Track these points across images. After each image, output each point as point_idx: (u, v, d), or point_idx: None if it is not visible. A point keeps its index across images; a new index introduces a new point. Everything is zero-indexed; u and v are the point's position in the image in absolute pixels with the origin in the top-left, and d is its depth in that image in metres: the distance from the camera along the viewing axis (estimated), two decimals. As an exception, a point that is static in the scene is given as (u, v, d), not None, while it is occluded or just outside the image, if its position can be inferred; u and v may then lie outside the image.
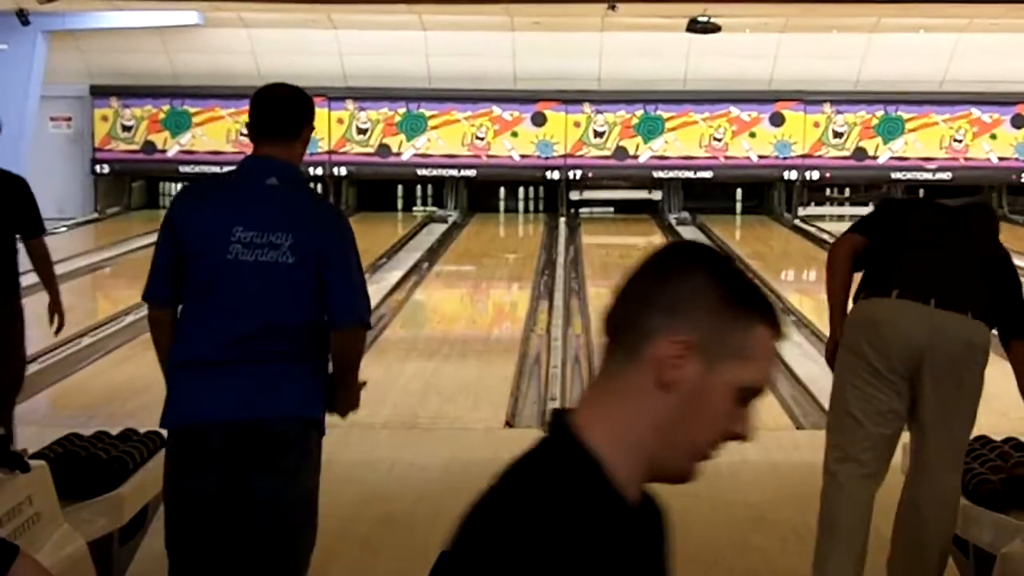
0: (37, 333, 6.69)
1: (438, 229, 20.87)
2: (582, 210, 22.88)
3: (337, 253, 4.18)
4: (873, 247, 5.35)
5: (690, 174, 22.71)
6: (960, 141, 22.65)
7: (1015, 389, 5.14)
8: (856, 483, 5.10)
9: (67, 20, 20.46)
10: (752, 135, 22.70)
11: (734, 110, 22.63)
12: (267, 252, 4.07)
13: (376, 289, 10.46)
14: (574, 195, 22.61)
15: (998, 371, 5.09)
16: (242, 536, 4.11)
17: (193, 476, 4.12)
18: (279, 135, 4.24)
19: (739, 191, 23.66)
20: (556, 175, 22.62)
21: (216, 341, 4.09)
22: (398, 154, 22.52)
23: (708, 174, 22.74)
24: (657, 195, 22.93)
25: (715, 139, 22.66)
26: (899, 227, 5.36)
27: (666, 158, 22.62)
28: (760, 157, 22.71)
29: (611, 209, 23.27)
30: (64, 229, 20.58)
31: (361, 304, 4.29)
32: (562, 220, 21.73)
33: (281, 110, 4.28)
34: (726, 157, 22.71)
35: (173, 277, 4.22)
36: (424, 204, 23.54)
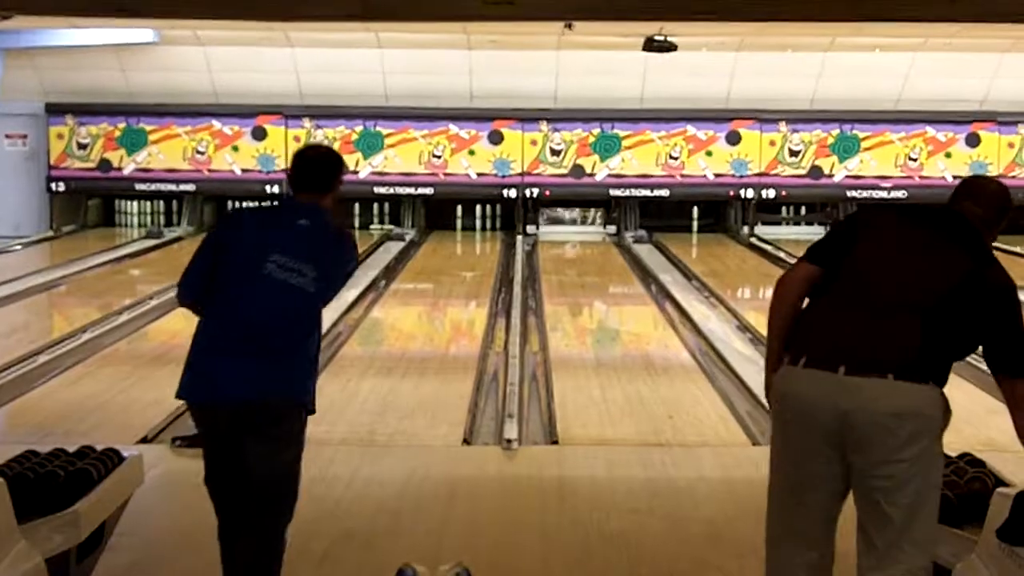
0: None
1: (395, 247, 20.82)
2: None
3: (343, 274, 5.41)
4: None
5: (647, 192, 22.80)
6: (915, 160, 22.83)
7: (971, 404, 5.01)
8: (799, 566, 4.59)
9: (22, 38, 20.41)
10: (708, 153, 22.80)
11: (690, 128, 22.74)
12: (295, 277, 5.06)
13: (333, 307, 10.43)
14: (531, 229, 22.62)
15: (952, 387, 4.94)
16: (241, 492, 5.00)
17: (208, 442, 5.11)
18: (313, 191, 5.35)
19: (695, 209, 23.73)
20: (513, 193, 22.68)
21: (237, 336, 4.97)
22: (355, 172, 22.48)
23: (664, 192, 22.82)
24: (611, 229, 23.04)
25: (671, 157, 22.76)
26: (843, 256, 4.64)
27: (623, 176, 22.71)
28: (716, 175, 22.81)
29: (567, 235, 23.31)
30: (19, 247, 20.51)
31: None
32: (519, 238, 21.76)
33: (314, 172, 5.40)
34: (682, 175, 22.80)
35: (207, 281, 5.10)
36: (381, 222, 23.51)
